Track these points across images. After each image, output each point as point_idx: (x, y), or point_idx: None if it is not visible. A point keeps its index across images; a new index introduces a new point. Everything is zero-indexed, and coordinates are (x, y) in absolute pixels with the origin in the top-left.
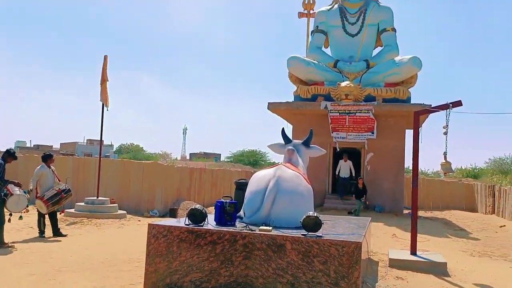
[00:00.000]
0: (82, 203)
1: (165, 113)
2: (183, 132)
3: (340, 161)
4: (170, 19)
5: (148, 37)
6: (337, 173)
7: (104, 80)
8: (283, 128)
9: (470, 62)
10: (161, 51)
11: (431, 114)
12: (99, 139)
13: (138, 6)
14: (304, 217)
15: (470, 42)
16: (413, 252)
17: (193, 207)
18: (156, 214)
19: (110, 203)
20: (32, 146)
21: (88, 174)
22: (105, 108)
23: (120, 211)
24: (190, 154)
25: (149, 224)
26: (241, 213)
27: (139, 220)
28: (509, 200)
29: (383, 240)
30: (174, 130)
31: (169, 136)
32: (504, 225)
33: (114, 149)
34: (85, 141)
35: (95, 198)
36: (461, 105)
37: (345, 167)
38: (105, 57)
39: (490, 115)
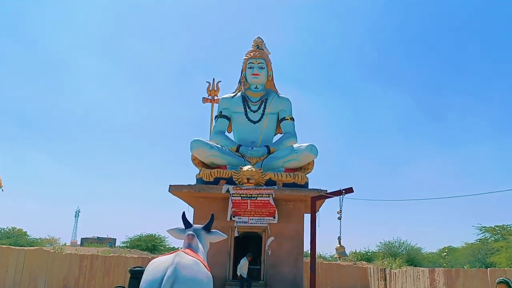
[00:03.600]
0: None
1: (55, 194)
2: (75, 215)
3: (244, 260)
4: (64, 92)
5: (41, 111)
6: (238, 274)
7: None
8: (183, 212)
9: (362, 151)
10: (53, 126)
11: (327, 199)
12: None
13: (29, 77)
14: None
15: (361, 133)
16: None
17: None
18: None
19: None
20: None
21: None
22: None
23: None
24: (81, 239)
25: None
26: None
27: None
28: (398, 283)
29: None
30: (65, 212)
31: (59, 220)
32: None
33: None
34: None
35: None
36: (353, 191)
37: (246, 266)
38: None
39: (380, 201)
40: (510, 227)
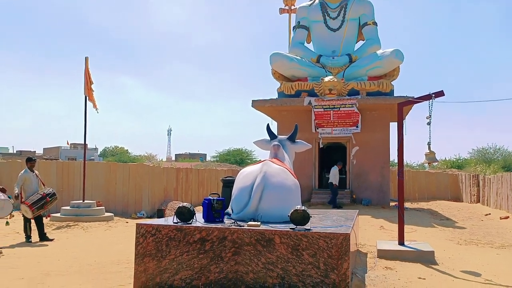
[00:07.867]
0: (68, 207)
1: (149, 114)
2: (168, 133)
3: (334, 168)
4: (151, 19)
5: (128, 37)
6: (334, 182)
7: (88, 82)
8: (268, 124)
9: (452, 53)
10: (142, 51)
11: (414, 105)
12: (83, 142)
13: (118, 6)
14: (292, 211)
15: (450, 35)
16: (401, 242)
17: (180, 205)
18: (143, 215)
19: (97, 206)
20: (15, 152)
21: (73, 177)
22: (95, 111)
23: (107, 214)
24: (175, 155)
25: (137, 224)
26: (229, 209)
27: (127, 222)
28: (493, 188)
29: (371, 232)
30: (159, 131)
31: (154, 138)
32: (489, 213)
33: (99, 152)
34: (69, 145)
35: (81, 201)
36: (443, 95)
37: (338, 175)
38: (86, 59)
39: (473, 105)
40: None
